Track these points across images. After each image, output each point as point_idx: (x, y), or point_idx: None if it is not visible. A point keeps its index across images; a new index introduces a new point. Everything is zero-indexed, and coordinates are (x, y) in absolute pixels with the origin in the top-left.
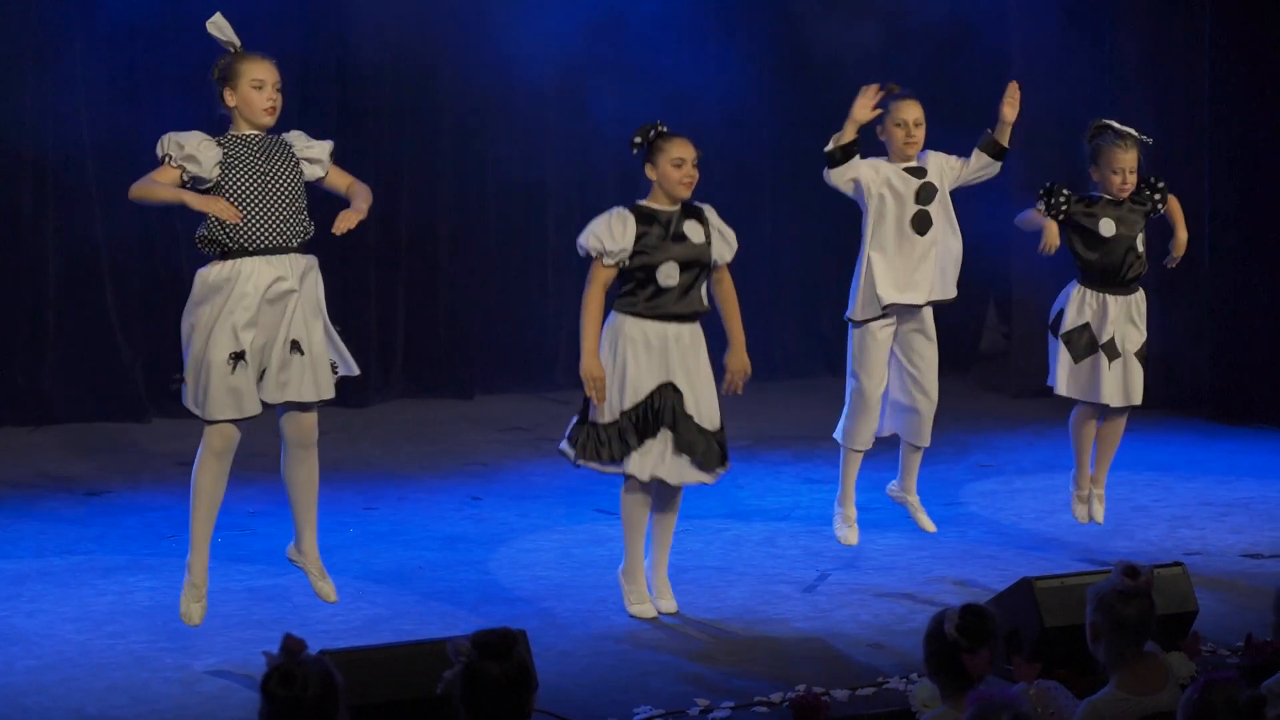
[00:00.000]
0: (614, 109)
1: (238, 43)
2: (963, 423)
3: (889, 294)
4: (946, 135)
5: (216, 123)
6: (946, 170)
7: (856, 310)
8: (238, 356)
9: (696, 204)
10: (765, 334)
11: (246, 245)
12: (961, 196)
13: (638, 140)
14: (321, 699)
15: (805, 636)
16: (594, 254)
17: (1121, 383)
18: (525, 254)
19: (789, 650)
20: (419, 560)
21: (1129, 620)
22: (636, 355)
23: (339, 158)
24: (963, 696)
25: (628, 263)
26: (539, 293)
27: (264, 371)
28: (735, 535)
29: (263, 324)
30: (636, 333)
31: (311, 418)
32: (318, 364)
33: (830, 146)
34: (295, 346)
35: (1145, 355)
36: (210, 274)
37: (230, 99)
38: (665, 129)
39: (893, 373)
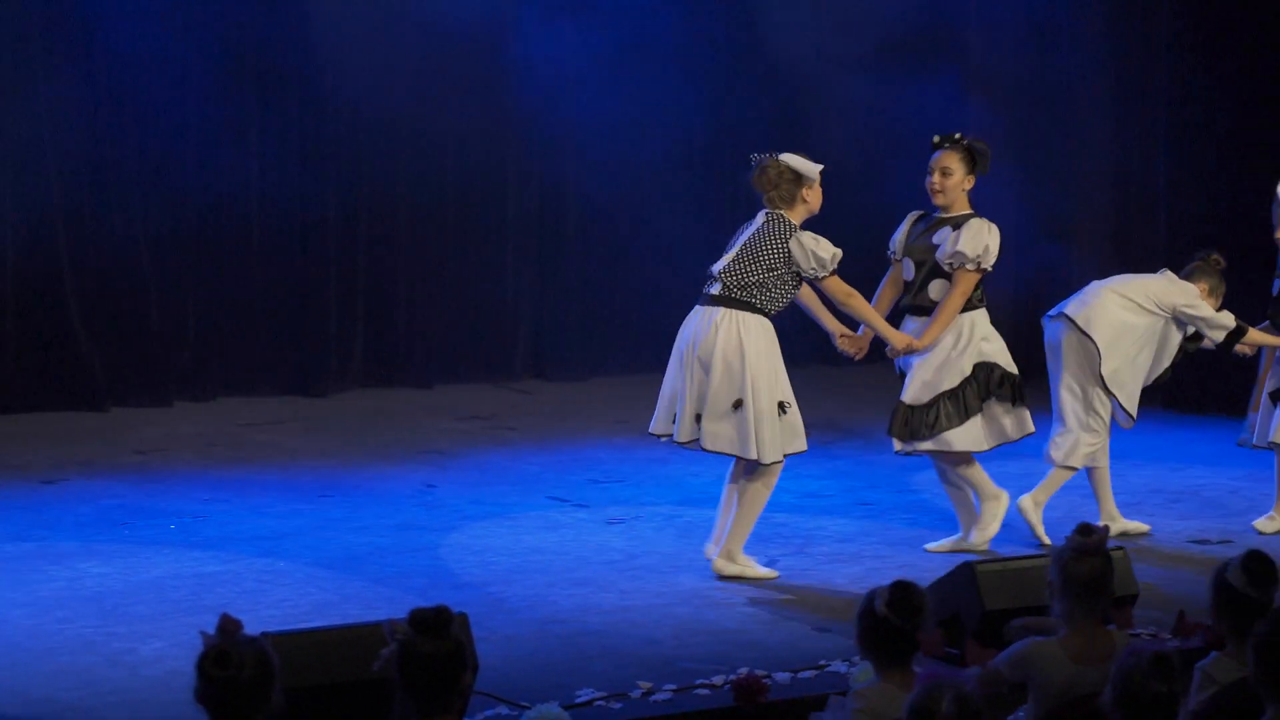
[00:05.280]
0: (579, 101)
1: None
2: None
3: None
4: (906, 145)
5: None
6: None
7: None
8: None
9: None
10: None
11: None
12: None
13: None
14: (257, 679)
15: (751, 621)
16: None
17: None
18: (485, 244)
19: (734, 634)
20: (370, 546)
21: (1081, 577)
22: None
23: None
24: (895, 672)
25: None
26: (499, 283)
27: None
28: (687, 522)
29: None
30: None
31: None
32: None
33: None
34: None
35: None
36: (767, 326)
37: (807, 195)
38: None
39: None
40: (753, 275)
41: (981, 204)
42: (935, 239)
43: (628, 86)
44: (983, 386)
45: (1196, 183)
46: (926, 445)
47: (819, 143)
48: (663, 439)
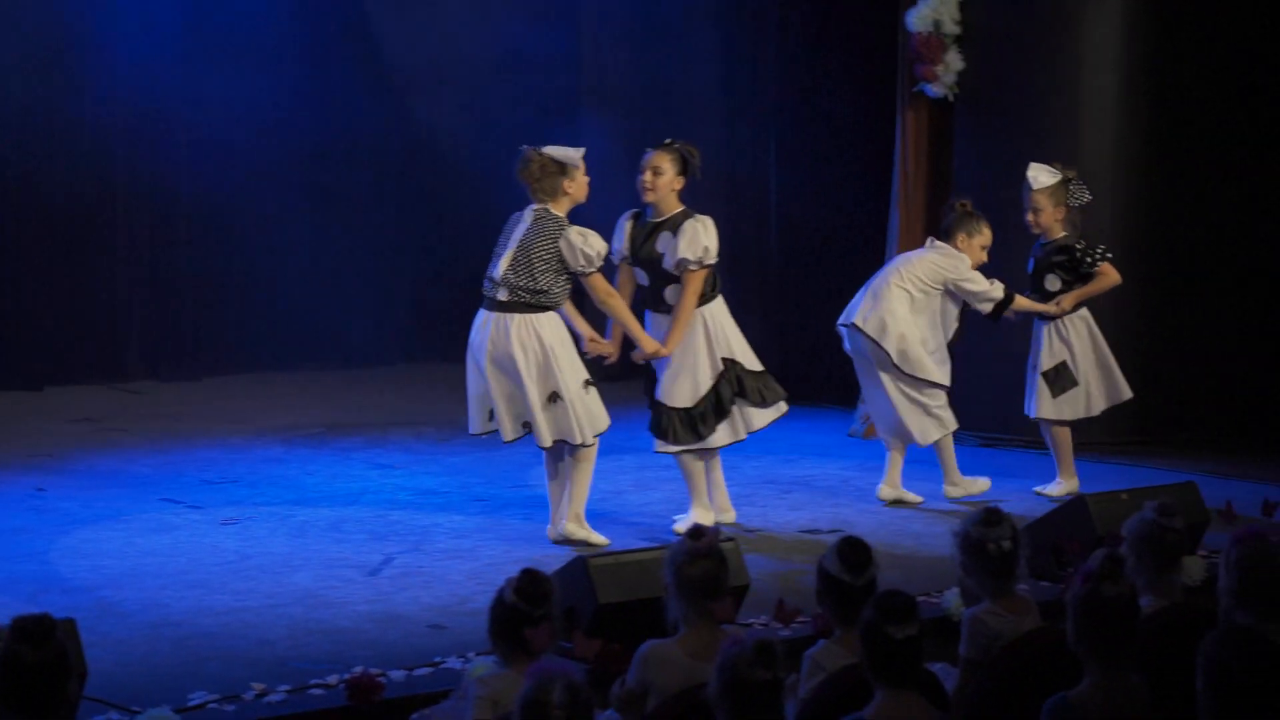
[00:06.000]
0: (188, 97)
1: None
2: None
3: None
4: (526, 134)
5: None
6: None
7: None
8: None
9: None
10: (341, 321)
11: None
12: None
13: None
14: None
15: (366, 619)
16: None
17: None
18: (94, 242)
19: (348, 633)
20: None
21: (694, 579)
22: None
23: None
24: (523, 662)
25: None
26: (109, 282)
27: None
28: (301, 521)
29: None
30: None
31: None
32: None
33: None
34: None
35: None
36: (556, 319)
37: (569, 186)
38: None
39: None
40: (532, 278)
41: (598, 209)
42: (660, 247)
43: (238, 80)
44: (733, 384)
45: (806, 188)
46: (697, 445)
47: (431, 138)
48: (485, 435)
